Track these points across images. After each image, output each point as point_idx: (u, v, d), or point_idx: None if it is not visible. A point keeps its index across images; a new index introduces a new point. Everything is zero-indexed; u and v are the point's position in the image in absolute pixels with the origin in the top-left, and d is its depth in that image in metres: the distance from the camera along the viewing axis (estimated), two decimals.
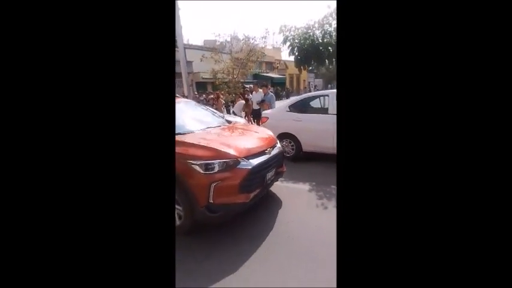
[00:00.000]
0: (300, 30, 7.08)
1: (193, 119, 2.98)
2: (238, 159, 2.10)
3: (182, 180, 2.04)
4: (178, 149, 2.12)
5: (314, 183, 3.25)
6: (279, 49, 9.41)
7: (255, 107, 6.29)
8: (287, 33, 6.99)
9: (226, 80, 8.15)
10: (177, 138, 2.31)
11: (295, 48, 7.01)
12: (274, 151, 2.56)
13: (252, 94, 7.27)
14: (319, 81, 32.04)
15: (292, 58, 8.44)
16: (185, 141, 2.26)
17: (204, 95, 10.44)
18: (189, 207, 2.07)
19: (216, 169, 2.01)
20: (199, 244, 2.07)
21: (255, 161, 2.21)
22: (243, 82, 8.45)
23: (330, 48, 6.56)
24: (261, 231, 2.22)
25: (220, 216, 2.07)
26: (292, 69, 28.14)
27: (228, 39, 8.62)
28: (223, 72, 8.15)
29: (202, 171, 1.99)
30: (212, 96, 7.95)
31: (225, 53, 10.00)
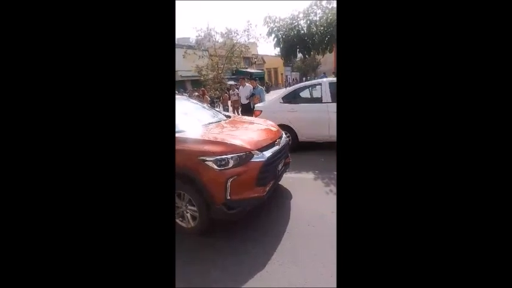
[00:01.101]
0: (284, 21, 7.02)
1: (192, 115, 2.87)
2: (252, 152, 2.04)
3: (195, 178, 1.95)
4: (186, 146, 2.02)
5: (317, 171, 3.28)
6: (255, 44, 9.37)
7: (244, 101, 6.21)
8: (271, 25, 6.91)
9: (210, 76, 7.94)
10: (182, 135, 2.20)
11: (280, 40, 6.96)
12: (282, 142, 2.52)
13: (238, 89, 7.17)
14: (295, 74, 32.52)
15: (269, 53, 8.38)
16: (193, 137, 2.15)
17: (187, 93, 10.15)
18: (204, 206, 1.98)
19: (231, 164, 1.94)
20: (223, 242, 2.00)
21: (267, 153, 2.17)
22: (223, 78, 8.28)
23: (314, 38, 6.58)
24: (280, 222, 2.19)
25: (239, 212, 2.01)
26: (270, 64, 28.29)
27: (202, 34, 8.35)
28: (207, 68, 7.92)
29: (216, 168, 1.91)
30: (197, 93, 7.74)
31: (202, 49, 9.75)
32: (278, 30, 6.89)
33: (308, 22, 6.75)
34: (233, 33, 7.62)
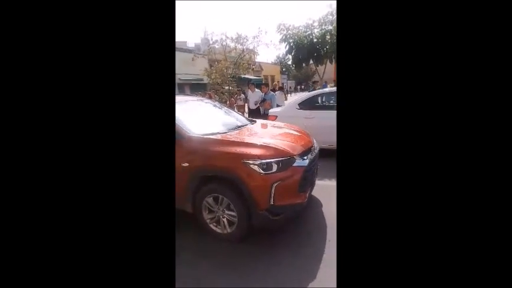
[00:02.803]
0: (298, 29, 7.10)
1: (219, 118, 2.81)
2: (294, 157, 2.00)
3: (238, 182, 1.88)
4: (228, 149, 1.96)
5: None
6: (252, 51, 9.44)
7: (252, 106, 6.18)
8: (284, 32, 6.96)
9: (219, 81, 7.88)
10: (222, 137, 2.14)
11: (293, 47, 7.02)
12: (317, 148, 2.50)
13: (243, 94, 7.14)
14: (291, 83, 32.96)
15: (266, 60, 8.43)
16: (233, 140, 2.09)
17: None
18: (246, 211, 1.91)
19: (274, 168, 1.88)
20: (265, 249, 1.92)
21: (307, 159, 2.13)
22: (232, 83, 8.25)
23: (327, 47, 6.67)
24: (318, 230, 2.14)
25: (282, 219, 1.94)
26: (267, 71, 28.53)
27: (212, 39, 8.32)
28: (216, 72, 7.86)
29: (261, 171, 1.85)
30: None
31: (200, 54, 9.66)
32: (291, 38, 6.97)
33: (323, 31, 6.84)
34: (243, 39, 7.66)
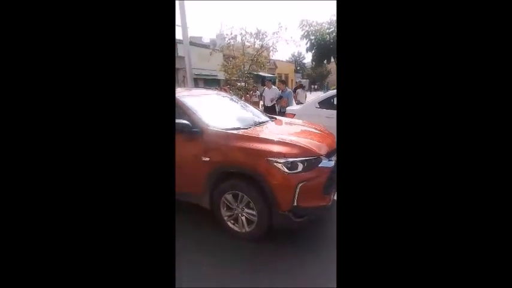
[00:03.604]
0: (321, 26, 6.89)
1: (241, 113, 2.73)
2: (320, 156, 1.89)
3: (260, 180, 1.80)
4: (252, 145, 1.88)
5: None
6: (267, 48, 9.29)
7: (268, 103, 6.07)
8: (306, 28, 6.76)
9: (235, 76, 7.80)
10: (244, 133, 2.06)
11: (314, 44, 6.82)
12: None
13: (258, 91, 7.04)
14: (305, 81, 32.55)
15: (281, 58, 8.26)
16: (257, 136, 2.00)
17: None
18: (267, 211, 1.83)
19: (300, 168, 1.79)
20: (290, 251, 1.84)
21: (332, 159, 2.02)
22: (248, 78, 8.15)
23: None
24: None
25: (305, 221, 1.85)
26: (281, 69, 28.33)
27: (230, 33, 8.18)
28: (232, 68, 7.78)
29: (286, 171, 1.75)
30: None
31: (218, 49, 9.59)
32: (313, 34, 6.77)
33: None
34: (262, 34, 7.51)
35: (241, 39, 7.74)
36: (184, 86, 7.72)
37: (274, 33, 7.57)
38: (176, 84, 6.24)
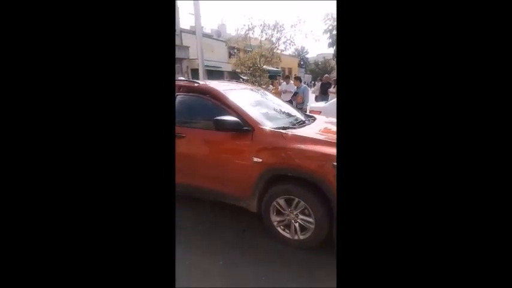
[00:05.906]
0: None
1: (282, 110, 2.57)
2: None
3: (324, 187, 1.66)
4: (314, 148, 1.73)
5: None
6: (272, 42, 9.06)
7: (285, 99, 5.92)
8: (330, 22, 6.52)
9: (250, 71, 7.58)
10: (302, 133, 1.91)
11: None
12: None
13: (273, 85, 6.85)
14: (308, 77, 32.30)
15: (285, 52, 8.09)
16: (318, 138, 1.86)
17: None
18: (328, 219, 1.70)
19: None
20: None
21: None
22: (263, 72, 7.92)
23: None
24: None
25: None
26: (285, 63, 27.99)
27: (260, 24, 7.69)
28: (248, 60, 7.55)
29: None
30: None
31: (221, 40, 9.32)
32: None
33: None
34: (280, 26, 7.26)
35: (261, 31, 7.50)
36: (188, 77, 7.47)
37: (292, 25, 7.34)
38: (179, 75, 6.02)
